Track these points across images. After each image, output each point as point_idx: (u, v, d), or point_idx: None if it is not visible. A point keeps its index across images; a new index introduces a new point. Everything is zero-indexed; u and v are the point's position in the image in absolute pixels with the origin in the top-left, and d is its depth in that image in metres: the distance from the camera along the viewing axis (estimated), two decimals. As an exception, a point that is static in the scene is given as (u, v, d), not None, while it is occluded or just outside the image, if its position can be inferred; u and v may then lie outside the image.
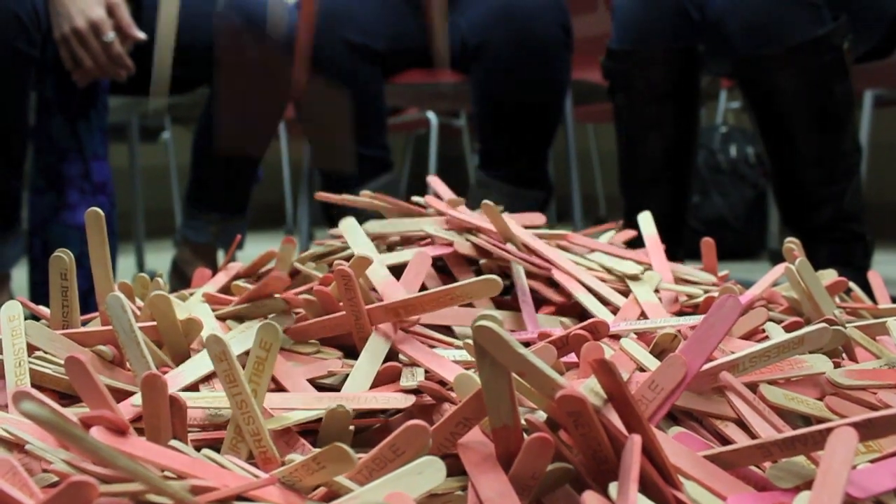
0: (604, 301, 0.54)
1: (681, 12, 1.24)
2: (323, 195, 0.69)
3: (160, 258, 1.80)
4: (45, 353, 0.44)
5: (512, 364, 0.29)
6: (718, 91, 2.36)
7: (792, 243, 0.61)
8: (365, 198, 0.66)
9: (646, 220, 0.67)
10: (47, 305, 0.48)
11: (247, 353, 0.39)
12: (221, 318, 0.50)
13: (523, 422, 0.33)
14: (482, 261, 0.58)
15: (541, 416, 0.35)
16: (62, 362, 0.44)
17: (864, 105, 1.81)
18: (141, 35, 1.19)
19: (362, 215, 0.65)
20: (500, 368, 0.30)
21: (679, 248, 1.29)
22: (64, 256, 0.45)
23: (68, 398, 0.42)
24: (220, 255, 1.42)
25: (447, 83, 1.47)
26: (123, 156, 1.90)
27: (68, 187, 1.24)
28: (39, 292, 1.23)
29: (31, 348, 0.45)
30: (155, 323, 0.45)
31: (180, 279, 1.36)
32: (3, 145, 1.12)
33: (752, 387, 0.42)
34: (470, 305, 0.52)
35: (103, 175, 1.27)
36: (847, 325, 0.51)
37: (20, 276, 1.28)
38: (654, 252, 0.63)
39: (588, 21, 1.88)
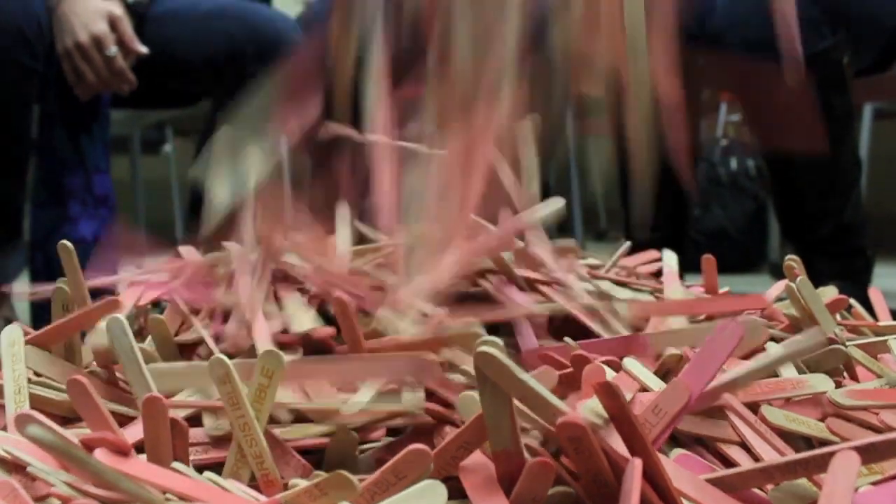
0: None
1: (680, 27, 1.24)
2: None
3: (161, 270, 1.79)
4: (41, 377, 0.44)
5: (513, 389, 0.30)
6: (718, 104, 2.37)
7: (792, 261, 0.61)
8: None
9: (670, 257, 0.67)
10: (47, 319, 0.48)
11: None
12: None
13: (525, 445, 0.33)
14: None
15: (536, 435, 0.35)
16: (60, 386, 0.44)
17: (864, 118, 1.82)
18: (143, 49, 1.19)
19: None
20: (502, 393, 0.30)
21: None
22: (65, 288, 0.45)
23: (67, 421, 0.42)
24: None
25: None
26: (125, 168, 1.90)
27: (70, 200, 1.24)
28: (40, 305, 1.23)
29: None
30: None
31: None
32: (6, 158, 1.13)
33: (754, 407, 0.42)
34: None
35: (105, 188, 1.27)
36: (848, 343, 0.51)
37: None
38: (669, 285, 0.62)
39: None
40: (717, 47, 1.22)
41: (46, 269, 1.23)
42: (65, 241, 0.45)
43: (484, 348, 0.30)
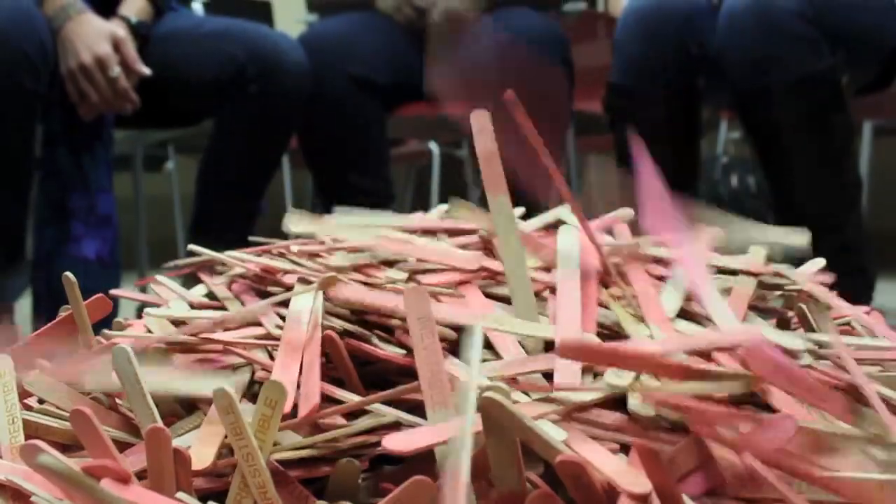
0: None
1: (680, 47, 1.25)
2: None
3: (163, 288, 1.80)
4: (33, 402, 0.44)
5: (518, 432, 0.30)
6: (719, 121, 2.38)
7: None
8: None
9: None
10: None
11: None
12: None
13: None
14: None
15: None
16: (59, 411, 0.44)
17: (864, 135, 1.82)
18: (146, 71, 1.20)
19: None
20: (507, 436, 0.31)
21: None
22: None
23: (66, 448, 0.42)
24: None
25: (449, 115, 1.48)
26: (127, 185, 1.91)
27: (73, 219, 1.25)
28: (42, 324, 1.23)
29: (25, 394, 0.45)
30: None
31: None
32: (10, 179, 1.13)
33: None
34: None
35: (108, 208, 1.27)
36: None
37: (22, 305, 1.28)
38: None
39: (588, 50, 1.90)
40: (716, 68, 1.23)
41: (48, 288, 1.23)
42: (68, 273, 0.46)
43: (489, 394, 0.31)
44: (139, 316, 0.54)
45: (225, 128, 1.32)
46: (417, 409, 0.40)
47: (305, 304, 0.46)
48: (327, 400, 0.43)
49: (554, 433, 0.34)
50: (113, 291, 0.65)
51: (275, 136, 1.33)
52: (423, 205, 2.14)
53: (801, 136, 1.16)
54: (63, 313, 0.49)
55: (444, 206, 0.66)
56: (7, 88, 1.05)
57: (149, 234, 1.94)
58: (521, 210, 0.60)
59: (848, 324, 0.64)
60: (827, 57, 1.14)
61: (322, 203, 1.53)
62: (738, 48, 1.17)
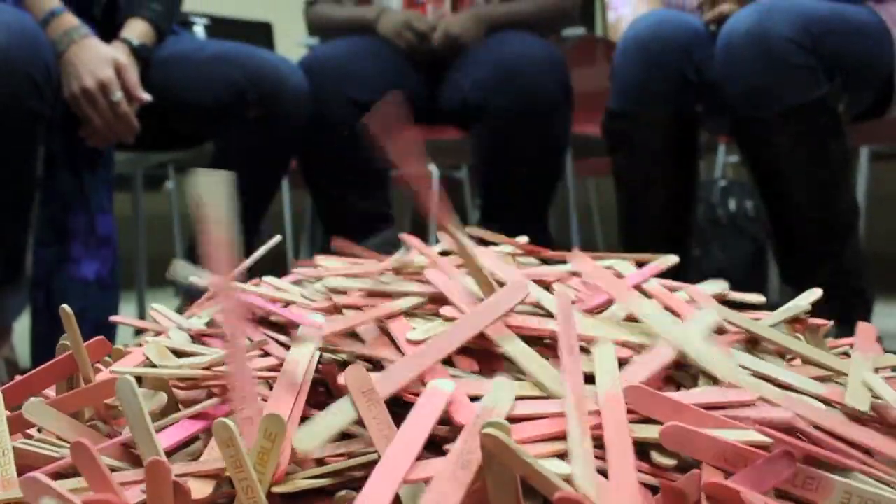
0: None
1: (679, 74, 1.26)
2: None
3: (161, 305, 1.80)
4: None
5: (518, 468, 0.30)
6: (717, 145, 2.39)
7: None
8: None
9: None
10: (46, 358, 0.49)
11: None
12: None
13: None
14: None
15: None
16: (58, 440, 0.45)
17: (861, 160, 1.84)
18: (147, 97, 1.21)
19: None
20: (506, 472, 0.31)
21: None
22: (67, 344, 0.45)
23: (59, 476, 0.42)
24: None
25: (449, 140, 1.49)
26: (127, 204, 1.91)
27: (73, 240, 1.25)
28: (40, 345, 1.23)
29: (27, 424, 0.45)
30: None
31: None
32: (11, 199, 1.14)
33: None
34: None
35: (108, 229, 1.28)
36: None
37: (21, 326, 1.28)
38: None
39: (587, 75, 1.91)
40: (714, 95, 1.24)
41: (48, 307, 1.23)
42: (64, 306, 0.46)
43: (489, 430, 0.31)
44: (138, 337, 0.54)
45: (226, 151, 1.32)
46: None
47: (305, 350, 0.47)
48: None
49: (555, 468, 0.34)
50: (113, 318, 0.66)
51: (275, 159, 1.34)
52: (422, 227, 2.14)
53: (798, 162, 1.17)
54: (61, 351, 0.49)
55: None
56: (12, 110, 1.06)
57: (148, 252, 1.94)
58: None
59: (845, 353, 0.64)
60: (824, 84, 1.15)
61: (322, 224, 1.53)
62: (736, 76, 1.18)
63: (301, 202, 2.21)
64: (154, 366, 0.48)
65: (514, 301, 0.47)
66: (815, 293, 0.62)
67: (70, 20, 1.18)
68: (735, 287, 0.66)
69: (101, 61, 1.17)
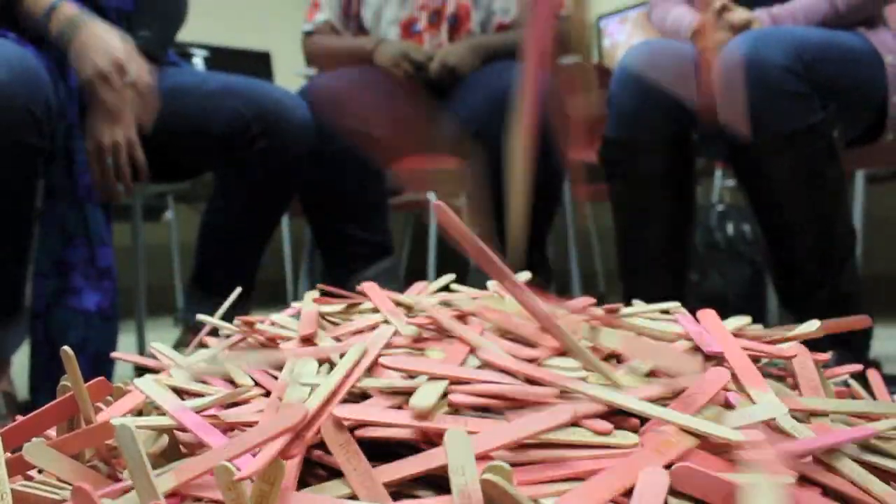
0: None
1: (675, 102, 1.27)
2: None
3: (160, 335, 1.80)
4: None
5: None
6: (713, 170, 2.40)
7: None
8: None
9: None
10: (45, 390, 0.49)
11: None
12: None
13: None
14: None
15: None
16: (59, 482, 0.45)
17: (857, 182, 1.85)
18: (148, 126, 1.22)
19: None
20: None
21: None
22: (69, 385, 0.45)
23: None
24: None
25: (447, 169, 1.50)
26: (126, 234, 1.92)
27: (73, 272, 1.25)
28: (39, 377, 1.23)
29: (27, 466, 0.45)
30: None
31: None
32: (12, 235, 1.14)
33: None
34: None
35: (107, 261, 1.28)
36: None
37: (20, 359, 1.28)
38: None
39: (583, 101, 1.92)
40: (711, 121, 1.25)
41: (47, 339, 1.23)
42: (66, 348, 0.46)
43: (489, 476, 0.31)
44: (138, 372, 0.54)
45: (228, 183, 1.33)
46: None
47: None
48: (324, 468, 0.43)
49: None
50: (114, 354, 0.66)
51: (277, 191, 1.35)
52: (421, 253, 2.14)
53: (794, 189, 1.18)
54: (62, 392, 0.49)
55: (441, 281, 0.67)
56: (12, 146, 1.06)
57: (147, 282, 1.94)
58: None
59: (845, 383, 0.64)
60: (818, 111, 1.16)
61: (321, 254, 1.54)
62: (731, 103, 1.19)
63: (300, 231, 2.22)
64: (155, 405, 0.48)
65: (554, 423, 0.41)
66: (814, 324, 0.62)
67: (71, 8, 1.17)
68: (734, 311, 0.67)
69: (111, 40, 1.16)
